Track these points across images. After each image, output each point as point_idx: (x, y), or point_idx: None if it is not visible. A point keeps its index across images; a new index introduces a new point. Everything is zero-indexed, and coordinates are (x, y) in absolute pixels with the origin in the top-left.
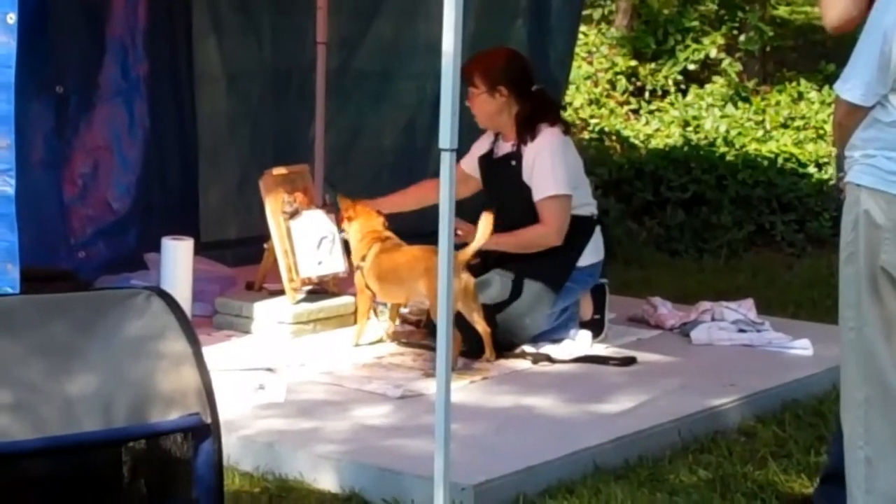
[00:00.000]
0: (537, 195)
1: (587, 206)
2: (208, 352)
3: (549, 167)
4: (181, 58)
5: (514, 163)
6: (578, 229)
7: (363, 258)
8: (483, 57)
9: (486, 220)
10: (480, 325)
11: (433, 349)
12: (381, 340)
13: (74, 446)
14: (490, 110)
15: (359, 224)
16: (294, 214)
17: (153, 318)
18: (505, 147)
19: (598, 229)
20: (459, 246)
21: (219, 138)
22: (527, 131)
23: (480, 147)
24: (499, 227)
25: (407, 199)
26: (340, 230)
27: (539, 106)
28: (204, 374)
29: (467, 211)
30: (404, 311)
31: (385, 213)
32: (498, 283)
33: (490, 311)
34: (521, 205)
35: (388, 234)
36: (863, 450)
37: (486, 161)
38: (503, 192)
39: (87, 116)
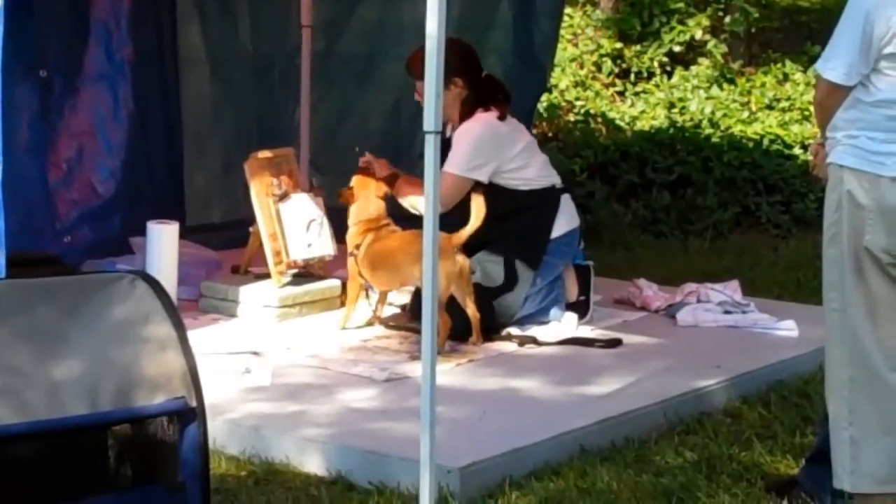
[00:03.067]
0: (444, 167)
1: (543, 178)
2: (194, 335)
3: (467, 149)
4: (165, 41)
5: (448, 150)
6: (542, 201)
7: (357, 246)
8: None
9: (478, 203)
10: (471, 309)
11: (419, 332)
12: (369, 324)
13: (60, 430)
14: (445, 102)
15: (355, 208)
16: (283, 197)
17: (138, 302)
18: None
19: (566, 198)
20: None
21: (203, 122)
22: (466, 116)
23: None
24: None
25: None
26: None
27: (485, 92)
28: (189, 357)
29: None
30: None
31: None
32: (491, 270)
33: (481, 294)
34: None
35: (385, 221)
36: (847, 430)
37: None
38: None
39: (71, 100)
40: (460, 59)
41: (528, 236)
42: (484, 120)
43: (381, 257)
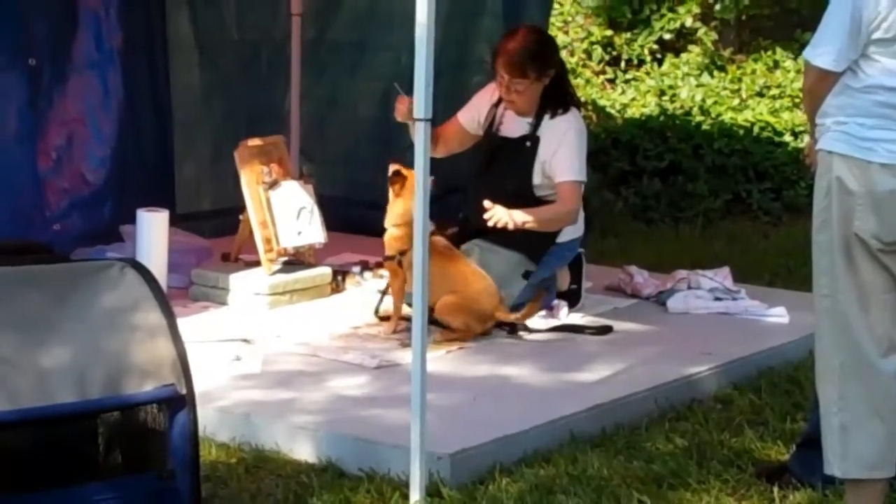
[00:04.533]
0: (562, 176)
1: None
2: (184, 323)
3: (577, 152)
4: (155, 29)
5: (528, 144)
6: None
7: (402, 252)
8: (524, 45)
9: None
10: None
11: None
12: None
13: (49, 418)
14: (536, 96)
15: (401, 206)
16: (273, 185)
17: (128, 289)
18: (518, 124)
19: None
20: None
21: (193, 110)
22: (559, 105)
23: (481, 105)
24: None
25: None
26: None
27: (566, 80)
28: (179, 345)
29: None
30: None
31: None
32: (489, 259)
33: None
34: (520, 186)
35: (431, 226)
36: (837, 416)
37: (491, 138)
38: (508, 172)
39: (60, 88)
40: (555, 51)
41: (535, 238)
42: (577, 117)
43: (435, 276)
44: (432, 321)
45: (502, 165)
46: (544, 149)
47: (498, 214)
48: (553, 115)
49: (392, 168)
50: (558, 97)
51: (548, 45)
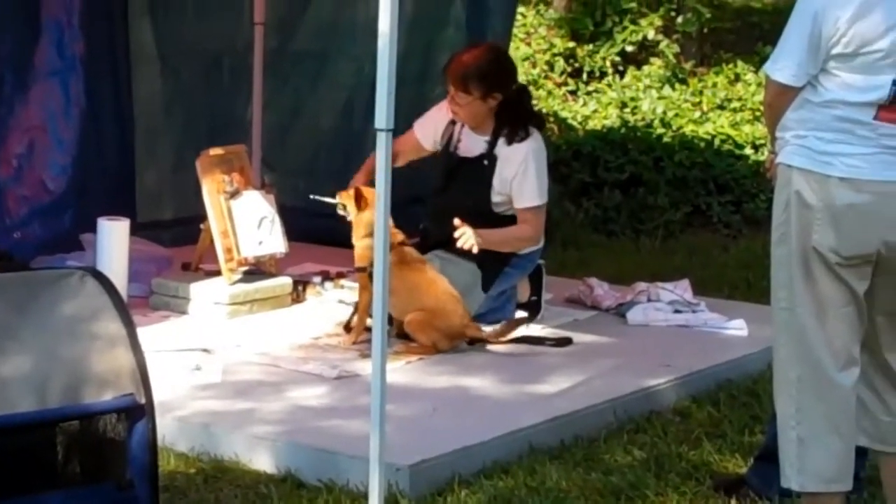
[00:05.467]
0: (522, 202)
1: None
2: (144, 332)
3: (535, 176)
4: (118, 37)
5: (486, 162)
6: None
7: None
8: (474, 62)
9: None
10: None
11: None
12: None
13: (7, 427)
14: (480, 114)
15: (369, 215)
16: (235, 194)
17: (87, 298)
18: (476, 143)
19: None
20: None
21: (155, 119)
22: (516, 130)
23: (438, 121)
24: (450, 220)
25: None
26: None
27: (525, 104)
28: (138, 354)
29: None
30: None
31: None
32: (449, 270)
33: None
34: (479, 204)
35: (400, 236)
36: (795, 429)
37: (450, 157)
38: (467, 190)
39: (22, 96)
40: (500, 74)
41: (496, 251)
42: (537, 140)
43: (403, 288)
44: (401, 334)
45: (461, 184)
46: (503, 171)
47: (466, 235)
48: (511, 140)
49: (351, 192)
50: (517, 119)
51: (501, 68)
